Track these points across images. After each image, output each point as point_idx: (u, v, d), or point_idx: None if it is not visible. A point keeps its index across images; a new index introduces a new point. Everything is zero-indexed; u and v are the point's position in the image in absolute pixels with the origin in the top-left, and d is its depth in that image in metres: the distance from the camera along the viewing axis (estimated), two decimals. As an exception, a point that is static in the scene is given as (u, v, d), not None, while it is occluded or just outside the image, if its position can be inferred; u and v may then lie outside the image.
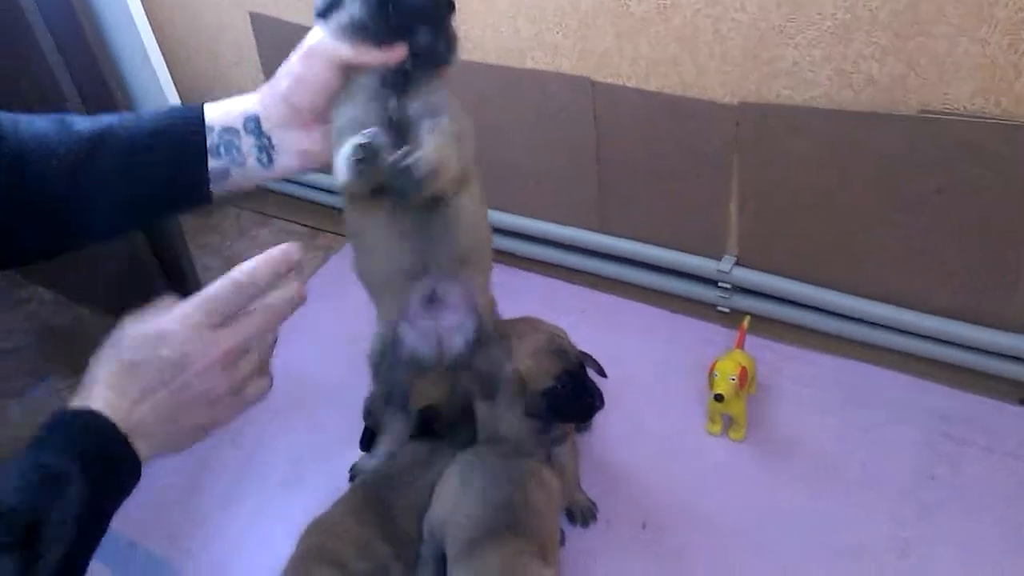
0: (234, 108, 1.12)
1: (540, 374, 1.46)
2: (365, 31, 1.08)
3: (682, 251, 2.03)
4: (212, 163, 1.10)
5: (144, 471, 1.56)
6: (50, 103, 1.79)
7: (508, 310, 1.91)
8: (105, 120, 1.08)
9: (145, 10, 2.22)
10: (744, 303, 2.00)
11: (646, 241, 2.08)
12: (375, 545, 1.45)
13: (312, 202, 2.68)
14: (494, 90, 2.05)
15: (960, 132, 1.55)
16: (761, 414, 1.78)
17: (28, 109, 1.09)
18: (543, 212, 2.21)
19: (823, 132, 1.68)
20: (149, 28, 2.25)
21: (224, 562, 1.61)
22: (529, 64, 1.96)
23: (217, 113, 1.11)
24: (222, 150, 1.09)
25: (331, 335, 2.10)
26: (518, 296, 2.07)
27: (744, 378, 1.68)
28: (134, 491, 1.59)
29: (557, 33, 1.87)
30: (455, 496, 1.45)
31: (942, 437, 1.68)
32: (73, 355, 2.21)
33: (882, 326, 1.85)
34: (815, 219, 1.82)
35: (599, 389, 1.47)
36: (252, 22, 2.36)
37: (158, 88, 2.34)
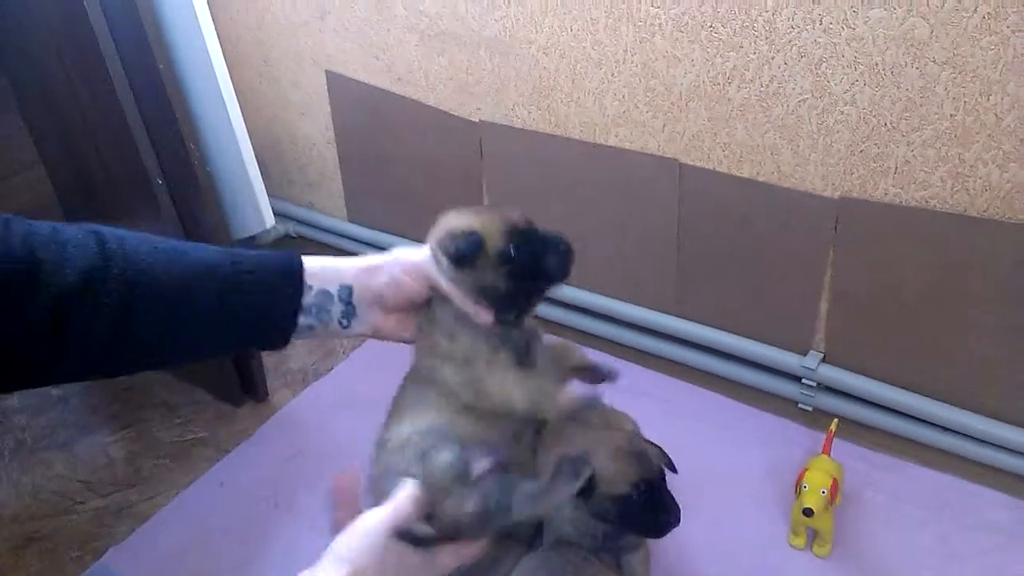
0: (331, 274, 1.15)
1: (617, 477, 1.36)
2: (493, 299, 1.16)
3: (766, 343, 1.93)
4: (301, 319, 1.12)
5: (191, 542, 1.43)
6: (118, 135, 1.76)
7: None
8: (209, 253, 1.08)
9: (224, 53, 2.19)
10: (830, 404, 1.89)
11: (726, 329, 1.98)
12: None
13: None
14: (577, 165, 1.99)
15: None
16: (848, 528, 1.66)
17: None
18: (620, 291, 2.13)
19: (931, 234, 1.59)
20: (226, 70, 2.21)
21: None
22: (613, 141, 1.90)
23: (316, 272, 1.13)
24: (314, 311, 1.13)
25: (379, 399, 2.04)
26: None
27: (834, 490, 1.57)
28: (178, 565, 1.52)
29: (647, 112, 1.81)
30: None
31: (1047, 568, 1.55)
32: (121, 410, 2.16)
33: (984, 441, 1.73)
34: (913, 323, 1.72)
35: (677, 505, 1.35)
36: (327, 79, 2.34)
37: (230, 131, 2.28)
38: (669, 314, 2.06)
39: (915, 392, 1.79)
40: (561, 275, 1.19)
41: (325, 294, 1.14)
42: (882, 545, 1.63)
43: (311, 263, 1.15)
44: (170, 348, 1.06)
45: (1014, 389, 1.68)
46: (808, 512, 1.54)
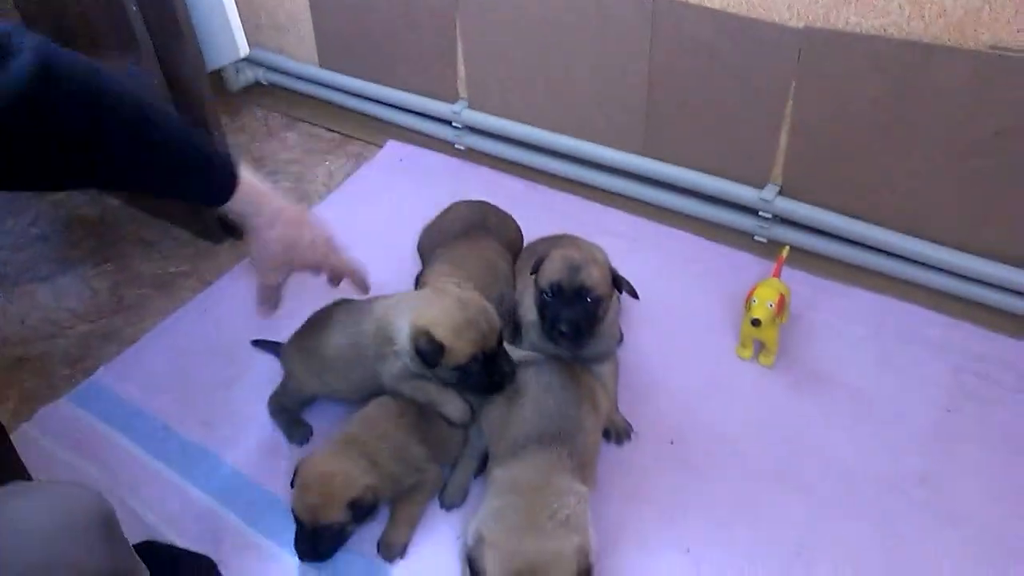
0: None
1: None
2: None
3: (726, 179, 2.02)
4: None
5: (179, 363, 1.60)
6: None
7: (549, 230, 1.92)
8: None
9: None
10: (783, 234, 2.00)
11: (691, 167, 2.06)
12: (410, 449, 1.48)
13: (343, 108, 2.64)
14: (551, 5, 2.00)
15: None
16: (792, 343, 1.80)
17: None
18: (591, 134, 2.18)
19: (887, 63, 1.65)
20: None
21: (256, 451, 1.64)
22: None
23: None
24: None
25: (356, 239, 2.11)
26: (561, 217, 2.08)
27: (781, 305, 1.69)
28: (169, 381, 1.61)
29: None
30: (515, 399, 1.48)
31: (971, 375, 1.71)
32: (100, 245, 2.21)
33: (922, 264, 1.86)
34: (865, 153, 1.81)
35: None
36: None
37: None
38: (636, 154, 2.12)
39: (863, 220, 1.90)
40: (497, 392, 1.50)
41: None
42: (823, 358, 1.77)
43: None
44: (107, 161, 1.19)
45: (957, 215, 1.79)
46: (756, 322, 1.66)
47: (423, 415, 1.52)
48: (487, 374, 1.47)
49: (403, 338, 1.48)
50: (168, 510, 1.53)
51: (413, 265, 1.97)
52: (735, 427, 1.64)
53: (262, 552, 1.46)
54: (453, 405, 1.51)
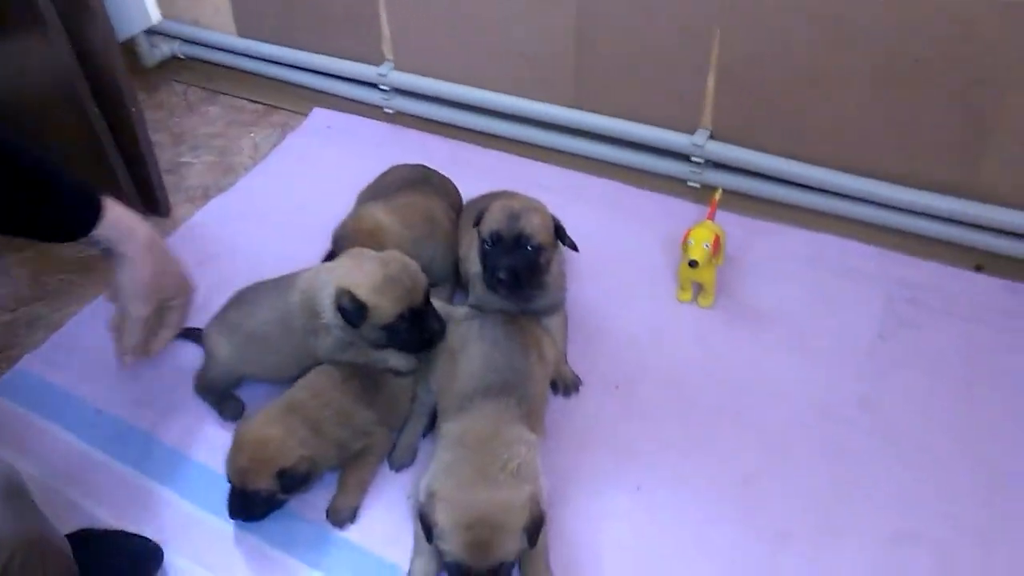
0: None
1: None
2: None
3: (657, 126, 2.02)
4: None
5: (107, 346, 1.55)
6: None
7: (484, 190, 1.89)
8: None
9: None
10: (716, 178, 2.01)
11: (622, 117, 2.06)
12: (357, 414, 1.46)
13: (265, 77, 2.56)
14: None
15: (948, 2, 1.56)
16: (729, 284, 1.82)
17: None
18: (521, 88, 2.15)
19: (807, 2, 1.67)
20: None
21: (191, 427, 1.60)
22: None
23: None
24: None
25: (285, 211, 2.07)
26: (496, 176, 2.04)
27: (717, 246, 1.71)
28: (98, 365, 1.68)
29: None
30: (461, 354, 1.47)
31: (903, 302, 1.75)
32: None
33: (850, 197, 1.90)
34: (792, 93, 1.83)
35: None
36: None
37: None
38: (567, 107, 2.11)
39: (794, 159, 1.92)
40: (428, 349, 1.49)
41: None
42: (760, 296, 1.80)
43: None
44: None
45: (884, 147, 1.82)
46: (693, 263, 1.67)
47: (369, 379, 1.49)
48: (417, 331, 1.45)
49: (329, 308, 1.45)
50: (106, 495, 1.48)
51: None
52: (679, 368, 1.65)
53: (206, 528, 1.43)
54: (395, 357, 1.49)
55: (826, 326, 1.72)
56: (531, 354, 1.48)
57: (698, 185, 2.05)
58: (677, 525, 1.40)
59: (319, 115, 2.44)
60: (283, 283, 1.57)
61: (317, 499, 1.45)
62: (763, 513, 1.41)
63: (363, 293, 1.41)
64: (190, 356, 1.70)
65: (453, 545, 1.21)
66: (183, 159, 2.32)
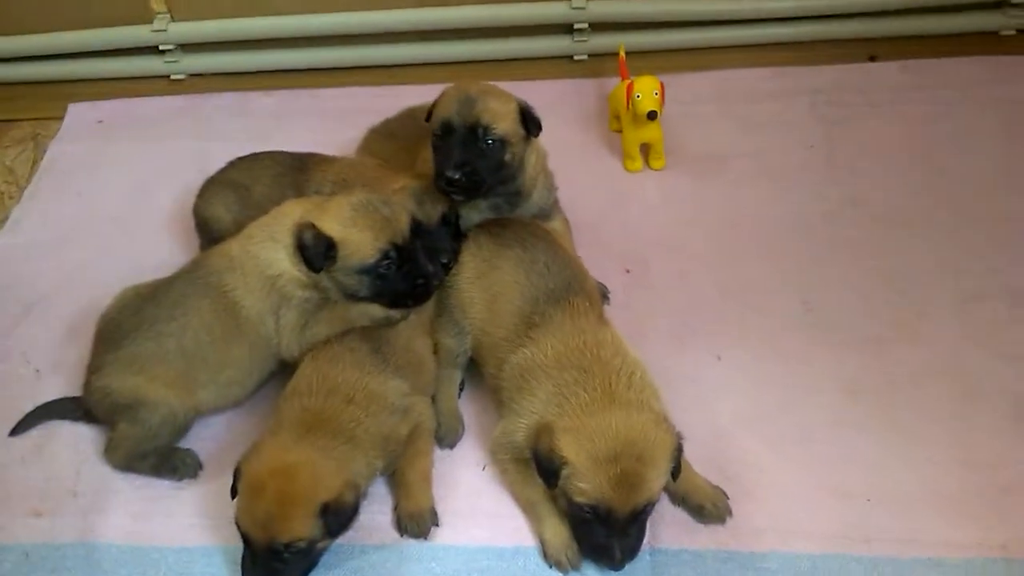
0: None
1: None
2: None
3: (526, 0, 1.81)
4: None
5: None
6: None
7: (343, 138, 1.61)
8: None
9: None
10: (601, 43, 1.86)
11: (483, 2, 1.82)
12: (387, 389, 1.13)
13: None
14: None
15: None
16: (669, 143, 1.67)
17: None
18: (353, 2, 1.83)
19: None
20: None
21: (139, 508, 1.17)
22: None
23: None
24: None
25: (95, 224, 1.66)
26: (350, 117, 1.69)
27: (663, 93, 1.56)
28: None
29: None
30: (488, 277, 1.22)
31: (825, 105, 1.75)
32: None
33: (739, 22, 1.86)
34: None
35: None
36: None
37: None
38: (414, 8, 1.82)
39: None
40: (423, 300, 1.18)
41: None
42: (698, 143, 1.70)
43: None
44: None
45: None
46: (653, 115, 1.53)
47: (372, 341, 1.16)
48: (406, 276, 1.14)
49: (284, 259, 1.13)
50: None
51: (168, 237, 1.58)
52: (661, 234, 1.54)
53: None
54: (375, 306, 1.16)
55: (772, 146, 1.68)
56: (561, 249, 1.24)
57: (586, 56, 1.88)
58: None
59: (79, 111, 1.91)
60: (191, 276, 1.20)
61: (373, 516, 1.10)
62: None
63: (328, 225, 1.11)
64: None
65: (594, 483, 0.98)
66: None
